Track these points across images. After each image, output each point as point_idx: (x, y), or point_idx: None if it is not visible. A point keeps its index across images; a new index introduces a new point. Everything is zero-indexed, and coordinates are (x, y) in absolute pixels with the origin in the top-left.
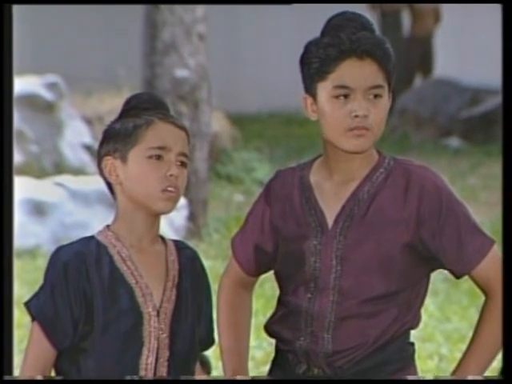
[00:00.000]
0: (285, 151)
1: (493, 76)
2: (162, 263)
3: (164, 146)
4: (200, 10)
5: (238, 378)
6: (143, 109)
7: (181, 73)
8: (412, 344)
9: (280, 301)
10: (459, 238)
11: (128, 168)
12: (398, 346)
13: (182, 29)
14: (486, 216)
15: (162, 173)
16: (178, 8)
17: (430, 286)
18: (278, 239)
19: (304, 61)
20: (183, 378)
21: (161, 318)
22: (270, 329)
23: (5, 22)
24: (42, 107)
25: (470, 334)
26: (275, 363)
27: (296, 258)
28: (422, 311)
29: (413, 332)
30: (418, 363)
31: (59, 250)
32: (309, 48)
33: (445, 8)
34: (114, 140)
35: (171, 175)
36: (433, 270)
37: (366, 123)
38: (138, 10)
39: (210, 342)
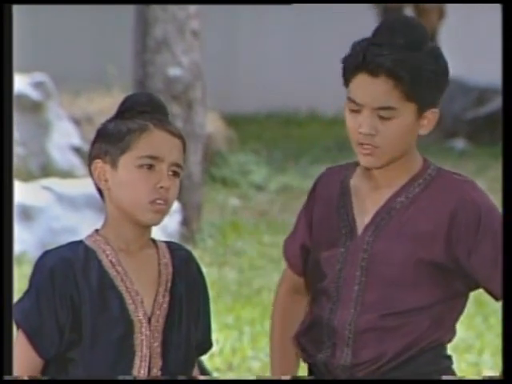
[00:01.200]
0: (283, 153)
1: (499, 75)
2: (154, 267)
3: (156, 155)
4: (193, 5)
5: (237, 378)
6: (140, 112)
7: (173, 71)
8: (449, 357)
9: (308, 309)
10: (496, 257)
11: (117, 174)
12: (427, 359)
13: (174, 25)
14: None
15: (152, 184)
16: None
17: None
18: (313, 241)
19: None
20: (180, 377)
21: (152, 325)
22: (297, 341)
23: (5, 22)
24: (29, 107)
25: (476, 343)
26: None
27: (323, 264)
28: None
29: None
30: None
31: (45, 255)
32: (352, 45)
33: (450, 6)
34: (105, 142)
35: (161, 187)
36: (471, 288)
37: (372, 141)
38: (129, 6)
39: (208, 347)
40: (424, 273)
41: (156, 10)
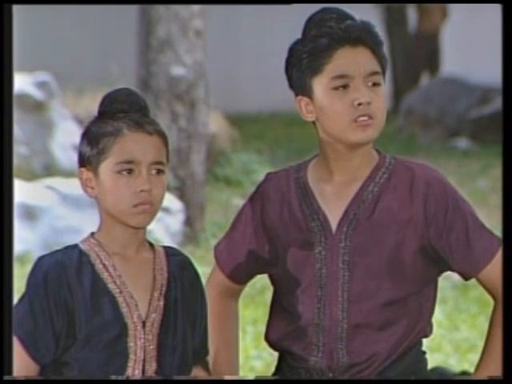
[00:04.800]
0: (286, 153)
1: None
2: (149, 272)
3: (131, 159)
4: (197, 5)
5: (237, 378)
6: (118, 110)
7: (177, 71)
8: (424, 353)
9: (283, 309)
10: (467, 237)
11: (100, 182)
12: (414, 356)
13: (177, 24)
14: (497, 220)
15: (132, 189)
16: None
17: (438, 294)
18: (275, 245)
19: (291, 62)
20: (176, 377)
21: (147, 329)
22: (278, 345)
23: (5, 22)
24: (32, 107)
25: (480, 343)
26: (283, 376)
27: (300, 265)
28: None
29: None
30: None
31: (41, 260)
32: (294, 48)
33: (453, 5)
34: (86, 147)
35: (142, 191)
36: (441, 272)
37: (370, 111)
38: (133, 5)
39: (204, 353)
40: (405, 260)
41: (159, 9)
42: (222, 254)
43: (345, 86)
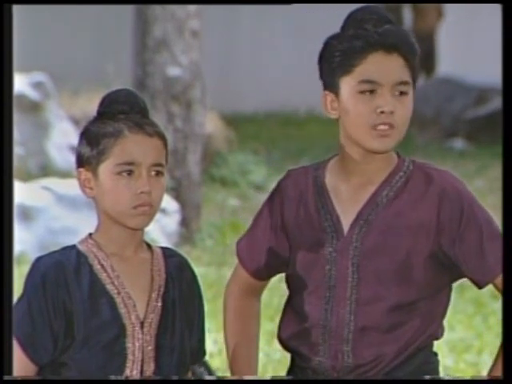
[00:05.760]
0: (282, 153)
1: (499, 75)
2: (147, 272)
3: (132, 161)
4: (193, 5)
5: (237, 378)
6: (118, 111)
7: (173, 71)
8: (436, 354)
9: (292, 309)
10: (481, 245)
11: (99, 183)
12: (423, 357)
13: (173, 25)
14: (495, 220)
15: (132, 190)
16: None
17: None
18: (290, 243)
19: (325, 55)
20: (175, 378)
21: (145, 329)
22: (288, 344)
23: (5, 22)
24: (28, 107)
25: (476, 343)
26: (294, 377)
27: (310, 265)
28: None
29: None
30: None
31: (39, 260)
32: (330, 42)
33: (449, 6)
34: (86, 148)
35: (142, 192)
36: (454, 279)
37: (392, 120)
38: (129, 5)
39: (202, 354)
40: (416, 266)
41: (155, 9)
42: (244, 250)
43: (371, 91)
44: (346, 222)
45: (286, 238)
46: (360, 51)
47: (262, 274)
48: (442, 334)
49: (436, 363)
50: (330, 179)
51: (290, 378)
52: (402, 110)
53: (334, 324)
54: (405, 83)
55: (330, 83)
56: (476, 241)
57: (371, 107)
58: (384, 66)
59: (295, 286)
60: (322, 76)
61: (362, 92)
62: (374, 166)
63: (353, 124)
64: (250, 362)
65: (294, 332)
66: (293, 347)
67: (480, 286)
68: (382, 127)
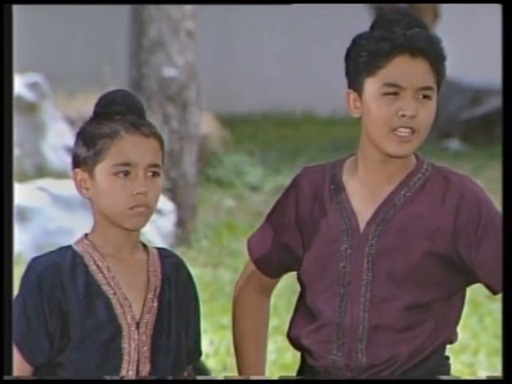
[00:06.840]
0: (278, 154)
1: (494, 75)
2: (143, 273)
3: (129, 162)
4: (189, 5)
5: (237, 378)
6: (115, 112)
7: (168, 72)
8: (448, 358)
9: (305, 307)
10: (497, 252)
11: (96, 183)
12: (437, 360)
13: (169, 25)
14: None
15: (129, 191)
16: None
17: None
18: (304, 240)
19: (351, 54)
20: (170, 378)
21: (141, 330)
22: (299, 342)
23: (5, 22)
24: (24, 108)
25: (472, 344)
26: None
27: (325, 262)
28: None
29: None
30: None
31: (34, 261)
32: (358, 41)
33: (446, 7)
34: (82, 149)
35: (138, 193)
36: (469, 283)
37: (413, 124)
38: (125, 6)
39: (198, 355)
40: (430, 267)
41: (151, 10)
42: (255, 245)
43: (395, 94)
44: (362, 220)
45: (300, 235)
46: (386, 54)
47: (273, 271)
48: (455, 339)
49: (448, 367)
50: (348, 177)
51: (299, 378)
52: (424, 114)
53: (348, 322)
54: (428, 88)
55: (354, 83)
56: (493, 246)
57: (393, 110)
58: (409, 70)
59: (308, 282)
60: (347, 74)
61: (385, 94)
62: (393, 166)
63: (373, 125)
64: (258, 362)
65: (307, 330)
66: (305, 345)
67: (495, 292)
68: (402, 130)
